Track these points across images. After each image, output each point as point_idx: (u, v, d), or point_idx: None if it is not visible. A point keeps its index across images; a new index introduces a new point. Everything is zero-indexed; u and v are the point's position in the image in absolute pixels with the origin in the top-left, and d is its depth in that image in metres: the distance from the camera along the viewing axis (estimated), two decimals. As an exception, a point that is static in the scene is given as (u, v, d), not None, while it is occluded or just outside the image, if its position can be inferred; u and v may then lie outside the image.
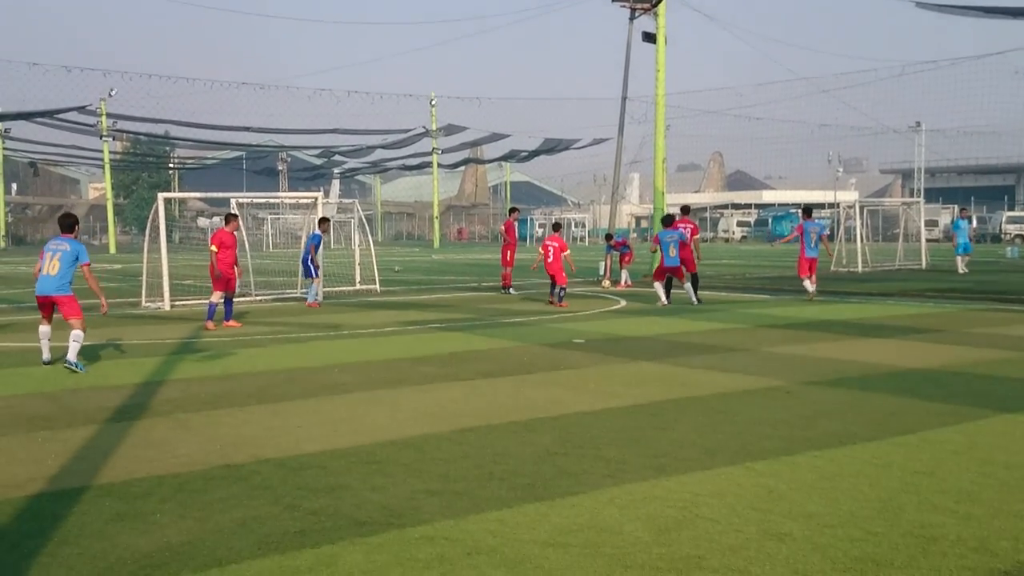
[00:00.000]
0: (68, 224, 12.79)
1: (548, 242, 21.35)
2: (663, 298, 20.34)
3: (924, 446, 7.40)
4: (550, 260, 20.77)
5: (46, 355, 12.41)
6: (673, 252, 20.45)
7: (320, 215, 23.31)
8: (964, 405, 9.02)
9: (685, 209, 23.10)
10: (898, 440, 7.61)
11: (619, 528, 5.51)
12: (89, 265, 12.46)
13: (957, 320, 16.76)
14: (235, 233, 17.47)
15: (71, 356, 11.74)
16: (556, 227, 23.72)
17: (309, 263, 21.70)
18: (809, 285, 21.62)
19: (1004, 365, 11.50)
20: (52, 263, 12.21)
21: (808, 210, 23.53)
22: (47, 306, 12.35)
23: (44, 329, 12.48)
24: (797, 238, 22.73)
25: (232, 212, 18.67)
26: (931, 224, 66.45)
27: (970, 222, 37.78)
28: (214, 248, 16.85)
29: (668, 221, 21.29)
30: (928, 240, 37.09)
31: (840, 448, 7.36)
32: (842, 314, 18.11)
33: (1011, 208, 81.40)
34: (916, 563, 4.90)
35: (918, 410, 8.80)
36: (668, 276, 21.07)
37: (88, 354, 13.50)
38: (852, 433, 7.86)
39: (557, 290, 20.57)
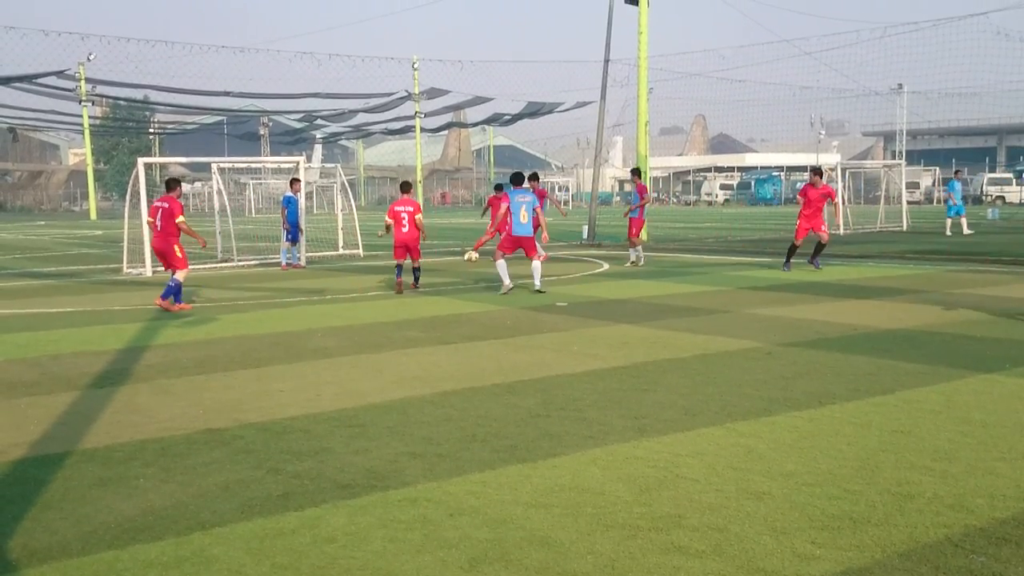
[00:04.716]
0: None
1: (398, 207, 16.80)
2: (505, 279, 16.04)
3: (902, 406, 7.48)
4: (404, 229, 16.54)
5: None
6: (525, 218, 16.27)
7: (292, 177, 23.48)
8: (942, 365, 9.11)
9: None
10: (877, 400, 7.68)
11: (600, 488, 5.56)
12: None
13: (936, 281, 16.87)
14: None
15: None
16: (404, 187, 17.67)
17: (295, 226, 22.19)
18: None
19: (982, 325, 11.60)
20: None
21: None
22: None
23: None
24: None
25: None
26: (912, 186, 66.85)
27: (964, 184, 36.92)
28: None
29: (517, 180, 16.94)
30: (909, 202, 37.21)
31: (819, 408, 7.42)
32: (822, 276, 18.20)
33: (992, 170, 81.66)
34: (893, 520, 4.97)
35: (897, 370, 8.88)
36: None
37: (69, 320, 13.46)
38: (831, 393, 7.93)
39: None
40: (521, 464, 6.05)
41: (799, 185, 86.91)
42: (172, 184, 15.31)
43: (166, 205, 14.76)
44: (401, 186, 17.59)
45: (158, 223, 14.71)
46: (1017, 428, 6.76)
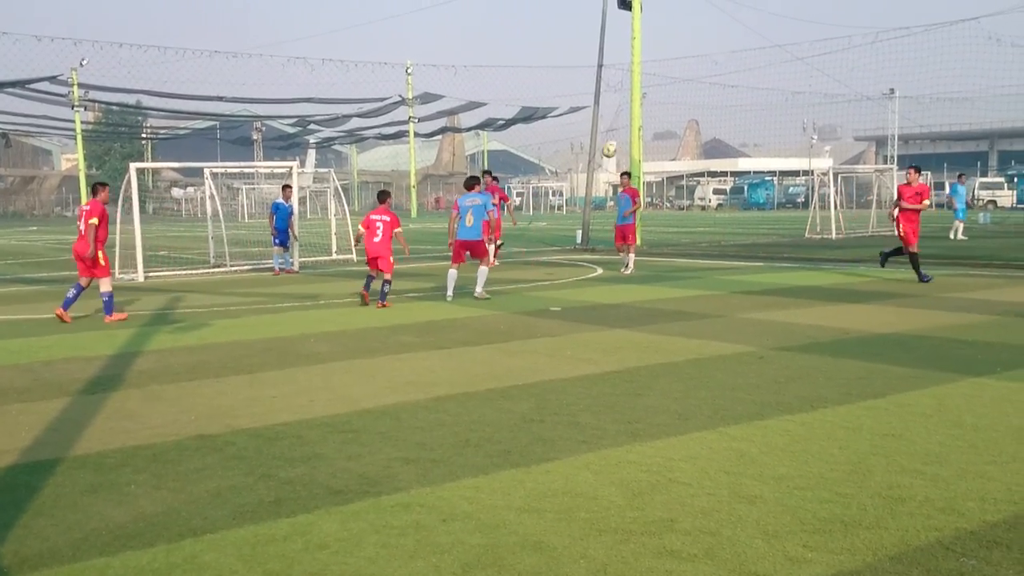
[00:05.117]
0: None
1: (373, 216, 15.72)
2: (448, 290, 15.97)
3: (893, 409, 7.50)
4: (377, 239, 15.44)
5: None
6: (471, 221, 15.94)
7: (284, 184, 23.49)
8: (933, 369, 9.13)
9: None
10: (868, 404, 7.70)
11: (593, 493, 5.56)
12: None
13: (928, 285, 16.90)
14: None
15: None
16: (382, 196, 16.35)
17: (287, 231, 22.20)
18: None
19: (973, 329, 11.63)
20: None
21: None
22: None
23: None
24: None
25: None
26: (905, 190, 66.84)
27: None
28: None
29: (469, 184, 16.56)
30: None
31: (811, 412, 7.44)
32: (815, 280, 18.24)
33: (984, 174, 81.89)
34: (884, 523, 4.98)
35: (888, 374, 8.90)
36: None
37: (61, 326, 13.42)
38: (823, 397, 7.95)
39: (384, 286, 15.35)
40: (514, 469, 6.05)
41: (792, 190, 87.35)
42: (96, 187, 14.29)
43: (87, 208, 13.97)
44: (378, 195, 16.34)
45: (82, 227, 13.87)
46: (1008, 432, 6.79)
